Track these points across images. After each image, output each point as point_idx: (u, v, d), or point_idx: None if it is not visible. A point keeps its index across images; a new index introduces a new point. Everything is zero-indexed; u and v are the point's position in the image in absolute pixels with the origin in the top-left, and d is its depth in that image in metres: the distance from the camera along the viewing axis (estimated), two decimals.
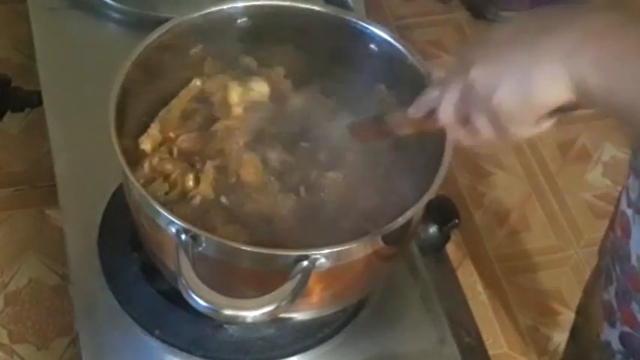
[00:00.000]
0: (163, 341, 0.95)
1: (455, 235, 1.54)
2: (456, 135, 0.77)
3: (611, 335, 0.99)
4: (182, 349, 0.94)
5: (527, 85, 0.69)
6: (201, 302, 0.75)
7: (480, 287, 1.84)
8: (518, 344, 1.77)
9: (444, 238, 1.13)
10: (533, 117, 0.71)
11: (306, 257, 0.78)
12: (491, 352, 1.19)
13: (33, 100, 1.72)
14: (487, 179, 2.02)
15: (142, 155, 0.94)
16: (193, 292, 0.76)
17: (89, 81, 1.12)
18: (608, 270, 0.99)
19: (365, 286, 0.94)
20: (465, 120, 0.74)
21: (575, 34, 0.67)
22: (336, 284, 0.87)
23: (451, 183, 1.96)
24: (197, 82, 0.99)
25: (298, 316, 0.91)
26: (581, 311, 1.18)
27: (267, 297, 0.76)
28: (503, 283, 1.85)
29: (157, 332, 0.95)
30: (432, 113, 0.77)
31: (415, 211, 0.82)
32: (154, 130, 0.96)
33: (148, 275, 0.98)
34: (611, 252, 0.98)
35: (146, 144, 0.94)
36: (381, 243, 0.83)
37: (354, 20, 0.97)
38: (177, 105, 0.98)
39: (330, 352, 0.96)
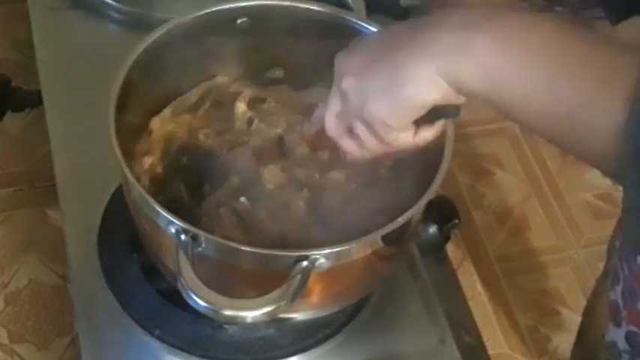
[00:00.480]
0: (163, 341, 0.95)
1: (455, 235, 1.54)
2: (345, 146, 0.77)
3: (616, 335, 0.99)
4: (182, 349, 0.94)
5: (392, 89, 0.68)
6: (200, 302, 0.75)
7: (480, 287, 1.84)
8: (518, 344, 1.77)
9: (444, 238, 1.13)
10: (405, 121, 0.71)
11: (305, 257, 0.78)
12: (491, 352, 1.19)
13: (33, 100, 1.72)
14: (487, 179, 2.02)
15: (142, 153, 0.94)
16: (193, 292, 0.76)
17: (89, 81, 1.12)
18: (615, 270, 0.99)
19: (365, 287, 0.94)
20: (350, 130, 0.75)
21: (448, 32, 0.65)
22: (336, 284, 0.87)
23: (451, 183, 1.96)
24: (219, 80, 1.00)
25: (298, 316, 0.91)
26: (587, 313, 1.18)
27: (266, 297, 0.76)
28: (503, 283, 1.85)
29: (156, 332, 0.95)
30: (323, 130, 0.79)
31: (415, 211, 0.82)
32: (167, 112, 0.96)
33: (148, 275, 0.98)
34: (619, 251, 0.98)
35: (155, 124, 0.95)
36: (381, 243, 0.83)
37: (355, 20, 0.96)
38: (193, 94, 0.99)
39: (330, 352, 0.96)
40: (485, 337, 1.22)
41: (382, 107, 0.70)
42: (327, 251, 0.79)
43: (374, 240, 0.82)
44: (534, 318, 1.81)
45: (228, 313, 0.76)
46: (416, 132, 0.73)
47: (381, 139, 0.73)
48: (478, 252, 1.89)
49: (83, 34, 1.23)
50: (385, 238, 0.82)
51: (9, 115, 1.88)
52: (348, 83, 0.72)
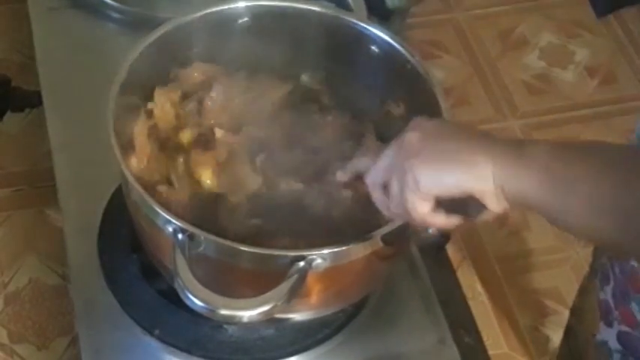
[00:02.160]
0: (163, 341, 0.95)
1: (455, 235, 1.54)
2: (375, 196, 0.80)
3: (608, 335, 0.99)
4: (182, 349, 0.94)
5: (444, 159, 0.72)
6: (197, 302, 0.75)
7: (479, 287, 1.83)
8: (518, 344, 1.77)
9: (444, 238, 1.13)
10: (435, 188, 0.73)
11: (302, 258, 0.78)
12: (491, 352, 1.19)
13: (33, 100, 1.72)
14: None
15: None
16: (189, 291, 0.76)
17: (89, 81, 1.13)
18: (605, 270, 0.99)
19: (364, 287, 0.94)
20: (385, 186, 0.78)
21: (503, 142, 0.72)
22: (334, 285, 0.87)
23: None
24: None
25: (297, 316, 0.91)
26: (575, 312, 1.18)
27: (262, 297, 0.76)
28: (503, 283, 1.85)
29: (156, 332, 0.95)
30: (356, 177, 0.85)
31: None
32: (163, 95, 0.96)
33: (148, 275, 0.98)
34: (609, 252, 0.98)
35: (151, 105, 0.95)
36: (380, 243, 0.83)
37: (355, 21, 0.97)
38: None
39: (330, 352, 0.96)
40: (485, 337, 1.21)
41: (427, 170, 0.73)
42: (324, 251, 0.79)
43: (372, 241, 0.82)
44: (534, 318, 1.81)
45: (224, 312, 0.76)
46: (432, 211, 0.74)
47: (403, 205, 0.75)
48: (478, 252, 1.89)
49: (83, 34, 1.23)
50: (384, 239, 0.82)
51: (9, 115, 1.88)
52: (417, 165, 0.74)
